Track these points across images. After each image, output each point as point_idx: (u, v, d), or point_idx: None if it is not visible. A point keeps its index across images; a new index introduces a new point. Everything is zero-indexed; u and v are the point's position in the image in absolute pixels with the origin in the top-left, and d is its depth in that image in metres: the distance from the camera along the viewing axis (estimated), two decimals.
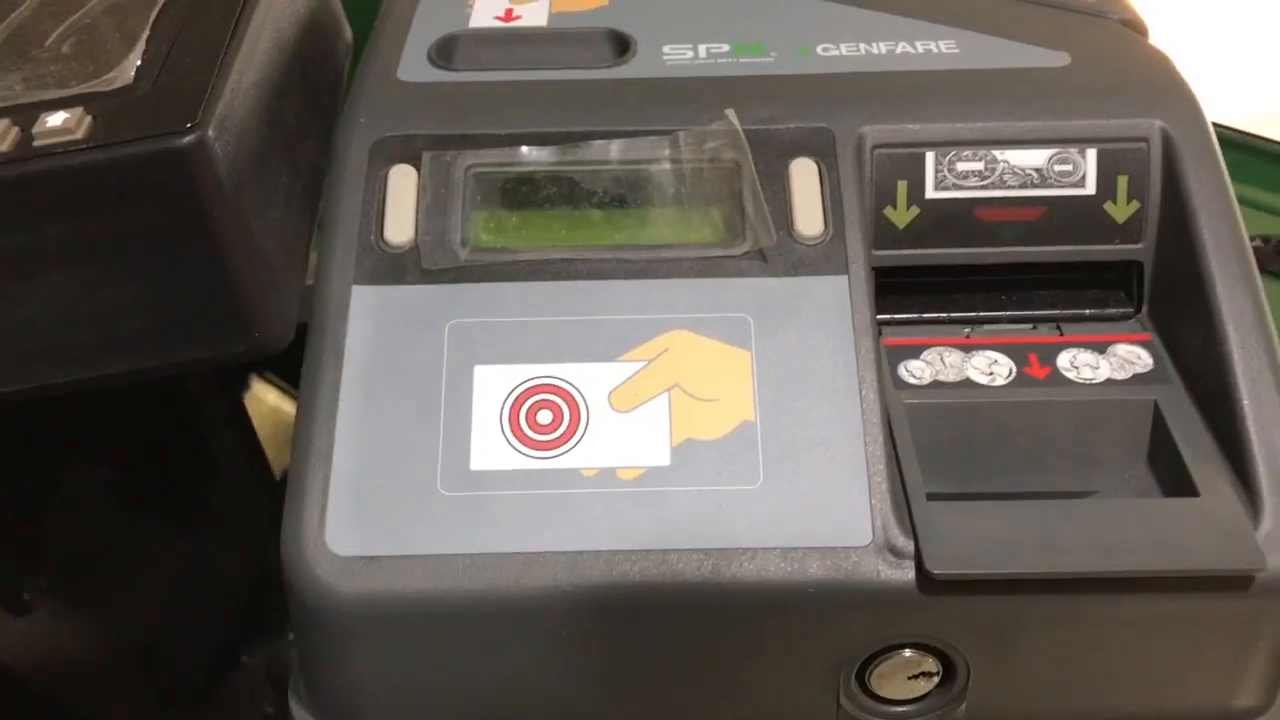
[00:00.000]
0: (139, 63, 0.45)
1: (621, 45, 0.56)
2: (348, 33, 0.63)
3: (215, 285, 0.43)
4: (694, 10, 0.59)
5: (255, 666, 0.89)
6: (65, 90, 0.44)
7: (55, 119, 0.41)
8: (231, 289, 0.43)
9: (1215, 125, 1.02)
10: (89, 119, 0.41)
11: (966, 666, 0.45)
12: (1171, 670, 0.46)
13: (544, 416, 0.46)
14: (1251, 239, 0.90)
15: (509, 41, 0.57)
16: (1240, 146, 1.02)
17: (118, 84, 0.43)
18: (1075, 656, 0.45)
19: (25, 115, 0.42)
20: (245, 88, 0.45)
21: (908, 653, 0.45)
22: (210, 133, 0.41)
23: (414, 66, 0.55)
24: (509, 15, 0.59)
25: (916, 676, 0.46)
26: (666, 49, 0.56)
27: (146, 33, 0.47)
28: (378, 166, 0.50)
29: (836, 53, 0.55)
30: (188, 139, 0.40)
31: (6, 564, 0.75)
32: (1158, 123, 0.51)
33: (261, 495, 0.92)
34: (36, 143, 0.40)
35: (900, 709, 0.47)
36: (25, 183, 0.40)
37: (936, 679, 0.46)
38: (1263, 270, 0.89)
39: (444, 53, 0.56)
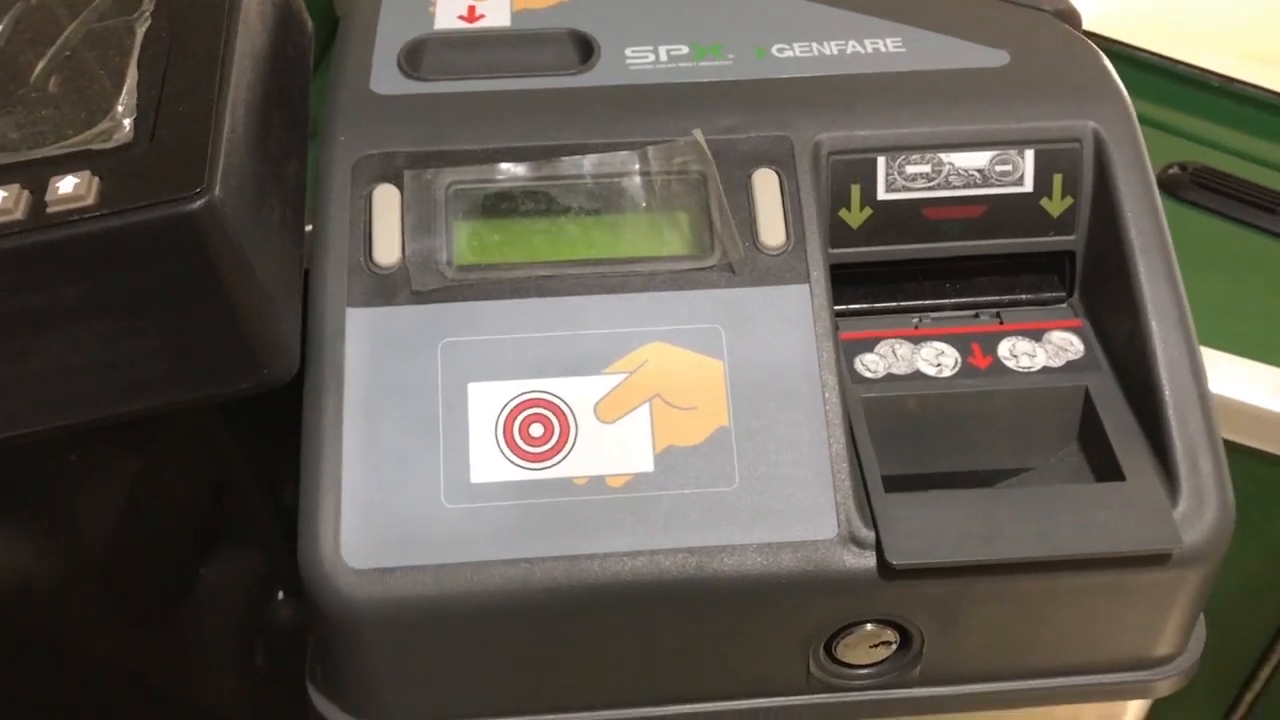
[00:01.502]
0: (134, 112, 0.46)
1: (585, 49, 0.58)
2: (309, 24, 0.64)
3: (224, 330, 0.45)
4: (650, 6, 0.61)
5: (212, 579, 0.92)
6: (64, 142, 0.46)
7: (66, 185, 0.42)
8: (240, 333, 0.46)
9: (1132, 47, 1.06)
10: (97, 181, 0.43)
11: (921, 636, 0.51)
12: (1101, 631, 0.52)
13: (536, 429, 0.50)
14: (1168, 167, 0.96)
15: (475, 45, 0.59)
16: (1156, 69, 1.06)
17: (118, 139, 0.45)
18: (1015, 623, 0.51)
19: (33, 177, 0.44)
20: (239, 131, 0.47)
21: (869, 626, 0.51)
22: (218, 193, 0.43)
23: (385, 76, 0.57)
24: (472, 14, 0.61)
25: (877, 645, 0.52)
26: (629, 52, 0.58)
27: (133, 70, 0.49)
28: (360, 186, 0.53)
29: (791, 54, 0.58)
30: (198, 204, 0.42)
31: None
32: (1090, 124, 0.55)
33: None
34: (50, 209, 0.42)
35: (863, 672, 0.52)
36: (42, 250, 0.42)
37: (895, 646, 0.52)
38: (1179, 198, 0.95)
39: (413, 60, 0.58)
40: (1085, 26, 0.62)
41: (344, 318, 0.51)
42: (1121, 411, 0.53)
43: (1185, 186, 0.96)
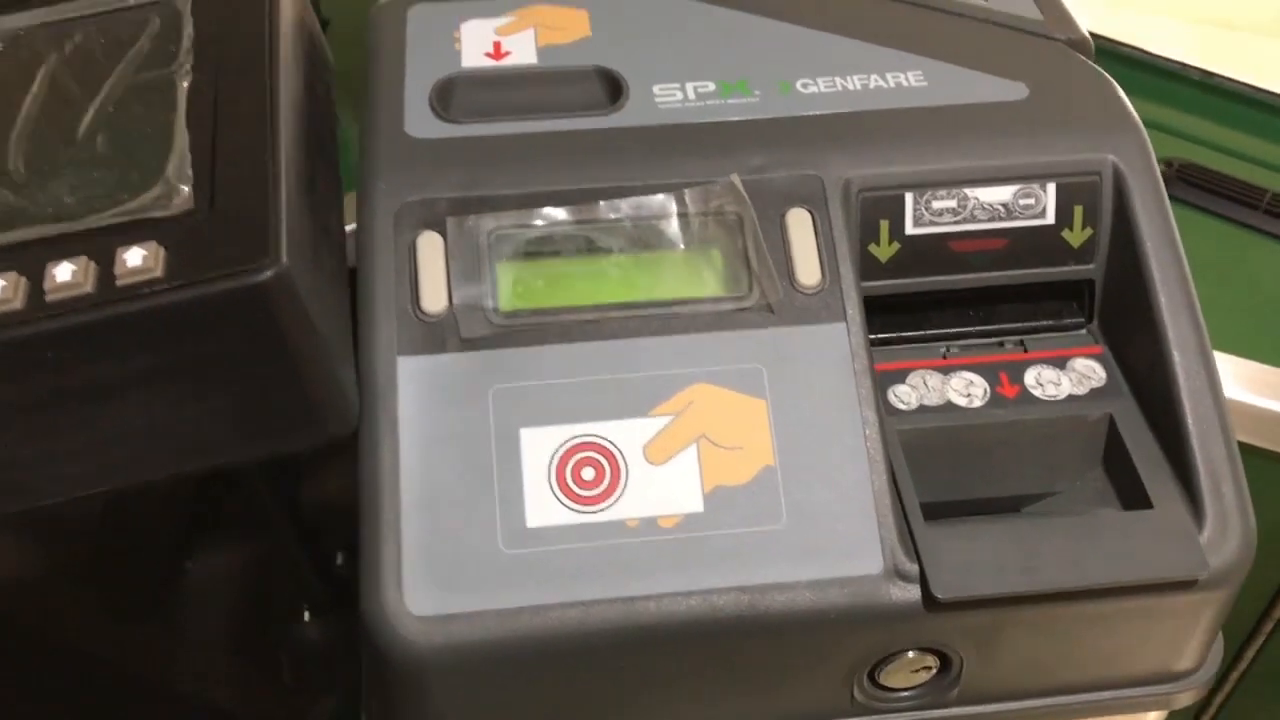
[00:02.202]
0: (190, 175, 0.47)
1: (614, 87, 0.59)
2: (331, 59, 0.65)
3: (290, 390, 0.46)
4: (673, 40, 0.62)
5: (199, 573, 0.93)
6: (120, 208, 0.46)
7: (133, 257, 0.43)
8: (305, 391, 0.47)
9: (1118, 43, 1.07)
10: (163, 252, 0.44)
11: (960, 660, 0.53)
12: (1128, 649, 0.54)
13: (587, 473, 0.51)
14: None
15: (505, 85, 0.60)
16: (1137, 63, 1.08)
17: (178, 206, 0.45)
18: (1048, 645, 0.54)
19: (98, 248, 0.44)
20: (292, 190, 0.48)
21: (911, 654, 0.53)
22: (285, 262, 0.43)
23: (419, 119, 0.58)
24: (498, 51, 0.61)
25: (918, 670, 0.54)
26: (656, 89, 0.59)
27: (181, 128, 0.49)
28: (404, 234, 0.54)
29: (815, 89, 0.59)
30: (268, 274, 0.43)
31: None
32: (1110, 157, 0.57)
33: None
34: (119, 282, 0.43)
35: (904, 695, 0.55)
36: (113, 324, 0.43)
37: (935, 670, 0.54)
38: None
39: (444, 101, 0.58)
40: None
41: (395, 366, 0.52)
42: (1145, 438, 0.55)
43: (1171, 183, 0.99)
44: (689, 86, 0.59)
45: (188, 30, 0.54)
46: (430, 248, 0.53)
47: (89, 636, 0.88)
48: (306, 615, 0.77)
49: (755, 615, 0.50)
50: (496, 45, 0.62)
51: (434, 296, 0.53)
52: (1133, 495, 0.54)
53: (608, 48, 0.61)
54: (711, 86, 0.60)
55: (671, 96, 0.59)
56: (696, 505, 0.51)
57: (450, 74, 0.60)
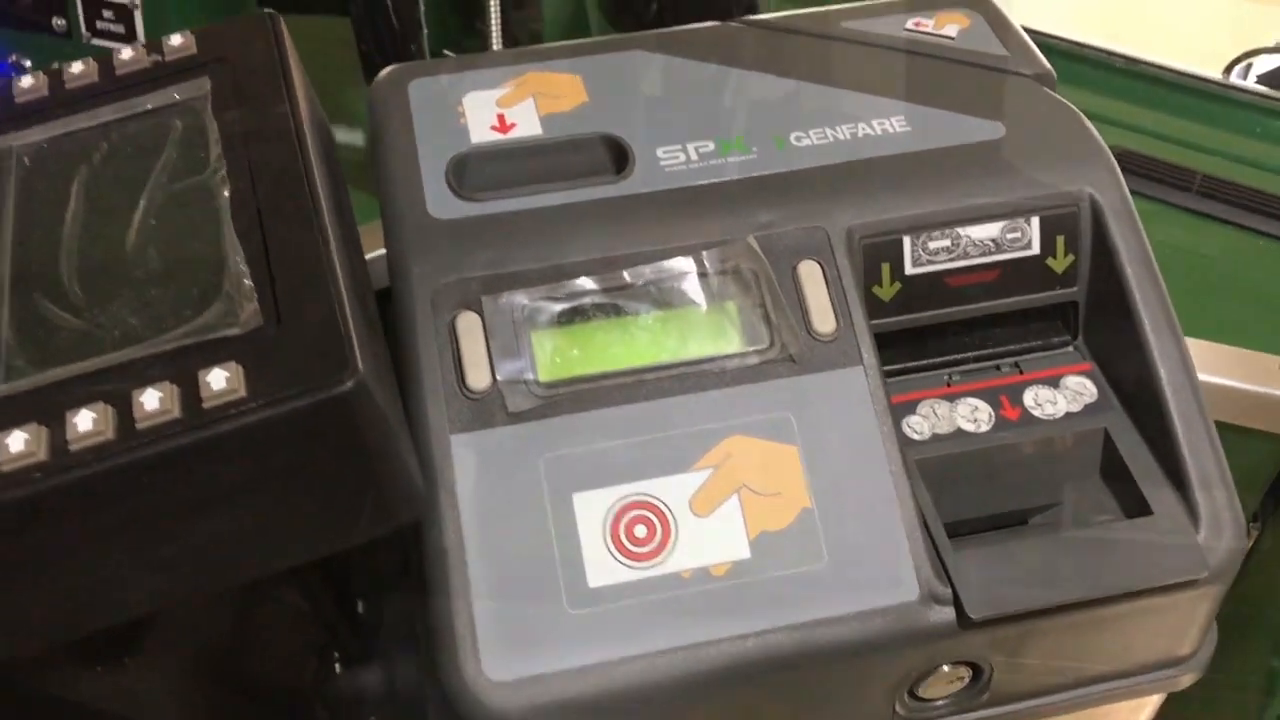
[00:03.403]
0: (252, 290, 0.49)
1: (620, 154, 0.62)
2: (332, 134, 0.66)
3: (369, 487, 0.49)
4: (668, 101, 0.65)
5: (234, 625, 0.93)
6: (188, 326, 0.48)
7: (217, 380, 0.45)
8: (381, 486, 0.49)
9: (1059, 39, 1.11)
10: (243, 371, 0.46)
11: (990, 668, 0.58)
12: (1135, 643, 0.60)
13: (640, 530, 0.55)
14: None
15: (516, 158, 0.62)
16: (1075, 57, 1.13)
17: (248, 323, 0.47)
18: (1067, 647, 0.58)
19: (179, 371, 0.46)
20: (349, 291, 0.50)
21: (947, 668, 0.57)
22: (363, 370, 0.46)
23: (439, 198, 0.60)
24: (503, 124, 0.64)
25: (953, 681, 0.58)
26: (660, 153, 0.62)
27: (232, 239, 0.51)
28: (443, 315, 0.56)
29: (809, 141, 0.63)
30: (348, 385, 0.45)
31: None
32: (1086, 189, 0.61)
33: None
34: (206, 405, 0.45)
35: (940, 704, 0.59)
36: (202, 447, 0.45)
37: (967, 680, 0.58)
38: None
39: (460, 178, 0.61)
40: None
41: (449, 445, 0.54)
42: (1138, 447, 0.60)
43: None
44: (690, 147, 0.63)
45: (213, 132, 0.56)
46: (469, 327, 0.56)
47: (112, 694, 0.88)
48: (338, 665, 0.80)
49: (807, 650, 0.54)
50: (501, 118, 0.64)
51: (478, 374, 0.56)
52: (1132, 502, 0.59)
53: (607, 113, 0.64)
54: (711, 146, 0.63)
55: (675, 159, 0.62)
56: (744, 552, 0.55)
57: (462, 151, 0.62)
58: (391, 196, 0.60)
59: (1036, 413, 0.61)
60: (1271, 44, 1.39)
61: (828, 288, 0.59)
